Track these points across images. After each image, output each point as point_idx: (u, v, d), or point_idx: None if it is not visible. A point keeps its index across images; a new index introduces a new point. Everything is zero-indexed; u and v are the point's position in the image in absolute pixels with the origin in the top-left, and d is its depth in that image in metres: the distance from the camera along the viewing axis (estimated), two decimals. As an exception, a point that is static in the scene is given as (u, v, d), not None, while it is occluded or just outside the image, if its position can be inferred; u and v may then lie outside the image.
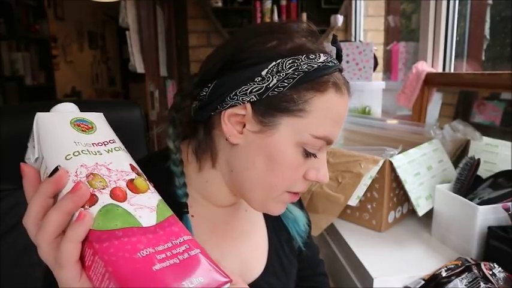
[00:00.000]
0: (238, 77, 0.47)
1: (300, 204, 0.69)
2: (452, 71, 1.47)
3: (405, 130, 1.13)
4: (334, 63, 0.49)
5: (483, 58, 1.58)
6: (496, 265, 0.67)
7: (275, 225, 0.64)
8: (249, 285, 0.55)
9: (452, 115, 1.36)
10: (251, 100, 0.47)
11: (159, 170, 0.52)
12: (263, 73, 0.46)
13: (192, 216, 0.54)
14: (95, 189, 0.33)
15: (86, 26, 5.48)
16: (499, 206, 0.74)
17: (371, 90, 1.90)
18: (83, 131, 0.38)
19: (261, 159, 0.49)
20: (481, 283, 0.64)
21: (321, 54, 0.48)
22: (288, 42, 0.48)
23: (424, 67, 1.41)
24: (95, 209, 0.32)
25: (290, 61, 0.46)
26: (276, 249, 0.62)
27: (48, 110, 0.41)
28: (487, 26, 1.54)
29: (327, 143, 0.50)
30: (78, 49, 5.33)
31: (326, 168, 0.51)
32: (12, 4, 3.55)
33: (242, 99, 0.47)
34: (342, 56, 0.52)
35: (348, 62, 1.88)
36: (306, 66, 0.47)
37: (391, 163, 0.86)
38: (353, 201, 0.87)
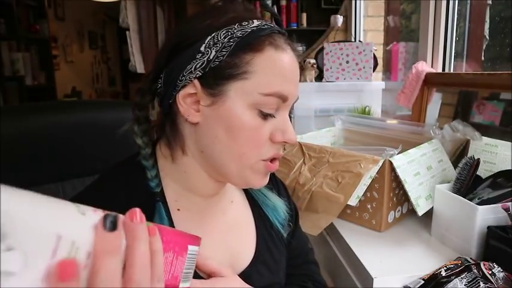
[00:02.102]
0: (182, 59, 0.50)
1: (280, 191, 0.70)
2: (451, 71, 1.47)
3: (405, 130, 1.13)
4: (270, 26, 0.51)
5: (483, 58, 1.58)
6: (495, 265, 0.67)
7: (258, 214, 0.65)
8: (239, 275, 0.57)
9: (452, 115, 1.36)
10: (197, 76, 0.50)
11: (134, 171, 0.54)
12: (202, 48, 0.49)
13: (178, 210, 0.55)
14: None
15: (86, 26, 5.49)
16: (498, 205, 0.74)
17: (371, 90, 1.90)
18: None
19: (222, 130, 0.50)
20: (481, 283, 0.64)
21: (254, 20, 0.51)
22: (222, 17, 0.51)
23: (424, 67, 1.41)
24: None
25: (224, 32, 0.49)
26: (264, 238, 0.63)
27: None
28: (487, 26, 1.54)
29: (283, 101, 0.51)
30: (78, 49, 5.34)
31: (291, 128, 0.53)
32: (13, 4, 3.55)
33: (189, 77, 0.50)
34: (279, 20, 0.55)
35: (347, 62, 1.88)
36: (239, 32, 0.49)
37: (391, 163, 0.86)
38: (353, 201, 0.87)
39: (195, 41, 0.50)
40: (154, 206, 0.52)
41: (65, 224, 0.29)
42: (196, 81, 0.50)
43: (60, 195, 0.79)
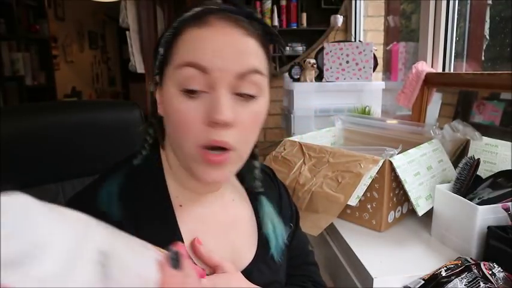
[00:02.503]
0: (154, 62, 0.54)
1: (281, 194, 0.70)
2: (452, 71, 1.47)
3: (405, 130, 1.13)
4: (209, 8, 0.51)
5: (483, 58, 1.58)
6: (495, 265, 0.67)
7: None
8: (241, 272, 0.57)
9: (452, 115, 1.36)
10: (156, 73, 0.54)
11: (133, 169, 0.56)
12: (159, 49, 0.53)
13: (181, 206, 0.56)
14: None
15: (86, 26, 5.49)
16: (498, 205, 0.74)
17: (371, 90, 1.90)
18: None
19: (167, 120, 0.52)
20: (481, 283, 0.64)
21: (197, 8, 0.51)
22: (179, 17, 0.53)
23: (424, 67, 1.41)
24: None
25: (171, 29, 0.52)
26: (265, 237, 0.63)
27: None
28: (487, 26, 1.54)
29: (202, 71, 0.47)
30: (78, 49, 5.34)
31: (222, 105, 0.47)
32: (13, 4, 3.55)
33: (155, 76, 0.54)
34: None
35: (347, 62, 1.88)
36: (177, 24, 0.51)
37: (391, 163, 0.86)
38: (353, 201, 0.87)
39: (157, 45, 0.53)
40: (155, 202, 0.53)
41: (142, 263, 0.31)
42: (157, 78, 0.54)
43: (60, 195, 0.79)
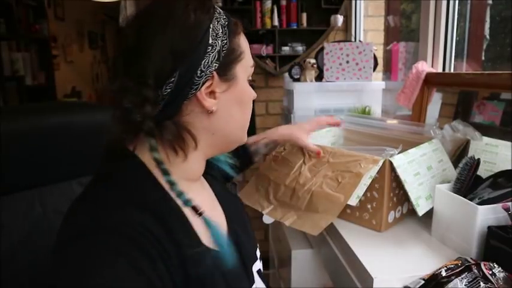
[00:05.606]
0: (196, 56, 0.51)
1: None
2: (452, 71, 1.47)
3: (405, 130, 1.13)
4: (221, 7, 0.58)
5: (483, 58, 1.58)
6: (495, 265, 0.67)
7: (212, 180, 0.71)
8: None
9: (452, 115, 1.36)
10: (215, 68, 0.53)
11: (137, 176, 0.52)
12: (210, 41, 0.52)
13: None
14: None
15: (86, 26, 5.48)
16: (498, 205, 0.74)
17: (371, 90, 1.90)
18: None
19: (236, 108, 0.58)
20: (481, 283, 0.64)
21: (216, 6, 0.57)
22: (202, 7, 0.54)
23: (424, 67, 1.41)
24: None
25: (215, 21, 0.54)
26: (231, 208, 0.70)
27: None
28: (487, 26, 1.54)
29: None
30: (78, 49, 5.33)
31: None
32: (12, 4, 3.55)
33: (209, 71, 0.53)
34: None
35: (347, 62, 1.88)
36: (223, 20, 0.55)
37: (391, 163, 0.86)
38: (353, 201, 0.87)
39: (202, 36, 0.52)
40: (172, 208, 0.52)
41: None
42: (215, 73, 0.54)
43: (57, 195, 0.78)
